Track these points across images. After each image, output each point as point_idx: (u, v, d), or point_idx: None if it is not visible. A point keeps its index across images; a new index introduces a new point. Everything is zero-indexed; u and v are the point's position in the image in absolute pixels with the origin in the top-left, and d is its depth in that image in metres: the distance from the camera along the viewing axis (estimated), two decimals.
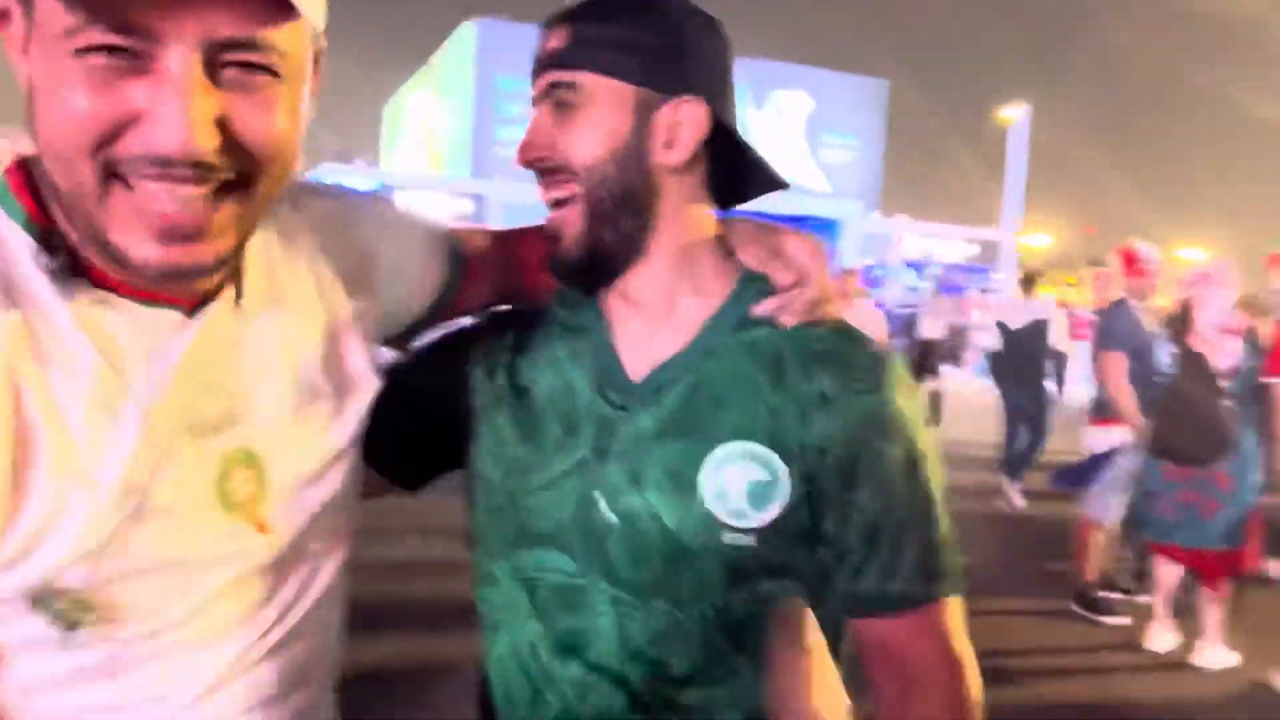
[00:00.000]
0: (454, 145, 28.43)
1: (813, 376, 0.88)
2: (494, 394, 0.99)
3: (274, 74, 0.66)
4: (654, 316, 0.93)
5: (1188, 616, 4.23)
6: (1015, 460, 6.91)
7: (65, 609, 0.69)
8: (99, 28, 0.59)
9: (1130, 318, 4.49)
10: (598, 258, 0.90)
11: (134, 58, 0.60)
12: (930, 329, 9.16)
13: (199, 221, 0.64)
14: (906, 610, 0.87)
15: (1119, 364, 4.37)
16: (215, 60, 0.62)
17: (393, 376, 0.93)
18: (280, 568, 0.80)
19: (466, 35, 24.29)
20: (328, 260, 0.87)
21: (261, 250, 0.80)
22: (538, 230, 0.98)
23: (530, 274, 1.01)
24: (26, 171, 0.70)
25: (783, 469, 0.87)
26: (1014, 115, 30.31)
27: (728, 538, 0.86)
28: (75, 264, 0.68)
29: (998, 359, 7.19)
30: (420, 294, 0.98)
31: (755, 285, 0.94)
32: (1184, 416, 4.08)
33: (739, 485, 0.86)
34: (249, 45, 0.63)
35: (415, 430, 1.01)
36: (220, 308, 0.76)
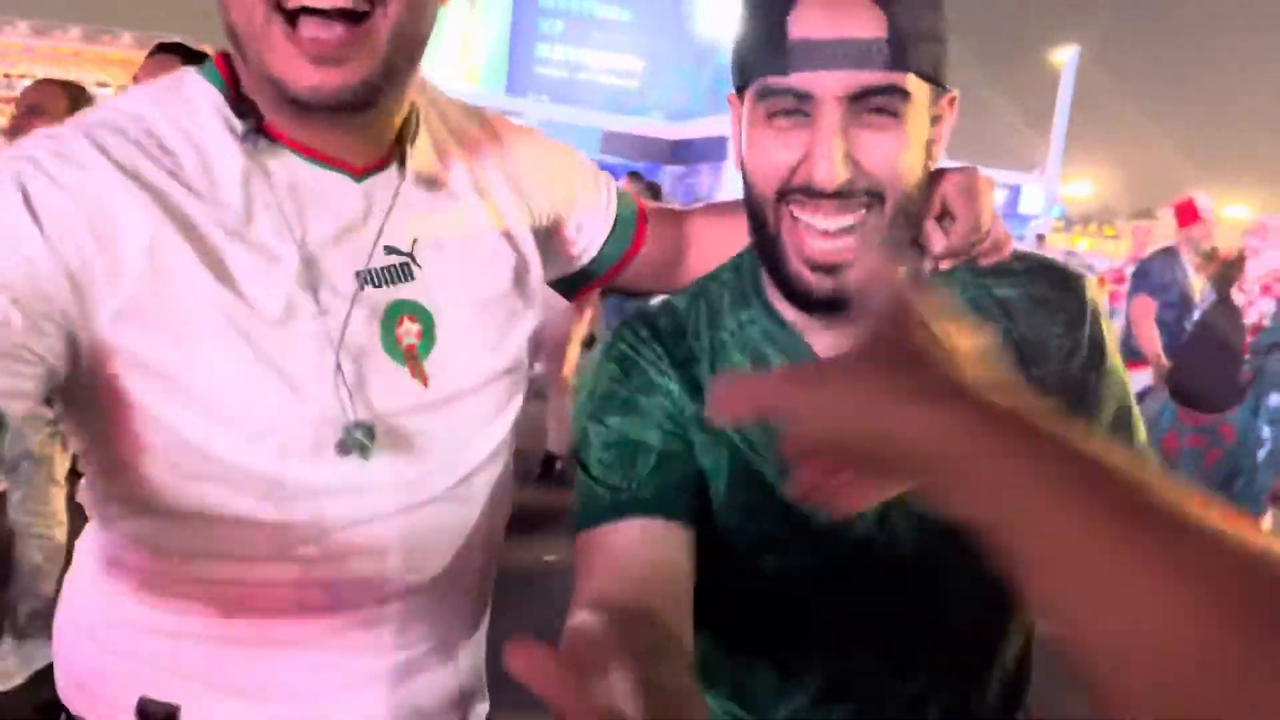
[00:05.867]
0: (490, 61, 27.84)
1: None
2: (688, 372, 0.83)
3: None
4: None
5: None
6: None
7: None
8: None
9: (1177, 267, 4.58)
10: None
11: None
12: None
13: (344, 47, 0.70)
14: None
15: (1147, 308, 4.50)
16: None
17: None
18: (435, 423, 0.81)
19: None
20: (513, 173, 0.92)
21: (432, 138, 0.86)
22: (711, 212, 1.05)
23: (698, 254, 1.01)
24: (228, 59, 0.78)
25: None
26: (1064, 57, 29.44)
27: None
28: (260, 126, 0.75)
29: None
30: (594, 232, 1.00)
31: None
32: (1202, 363, 4.13)
33: None
34: None
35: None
36: (384, 176, 0.81)
